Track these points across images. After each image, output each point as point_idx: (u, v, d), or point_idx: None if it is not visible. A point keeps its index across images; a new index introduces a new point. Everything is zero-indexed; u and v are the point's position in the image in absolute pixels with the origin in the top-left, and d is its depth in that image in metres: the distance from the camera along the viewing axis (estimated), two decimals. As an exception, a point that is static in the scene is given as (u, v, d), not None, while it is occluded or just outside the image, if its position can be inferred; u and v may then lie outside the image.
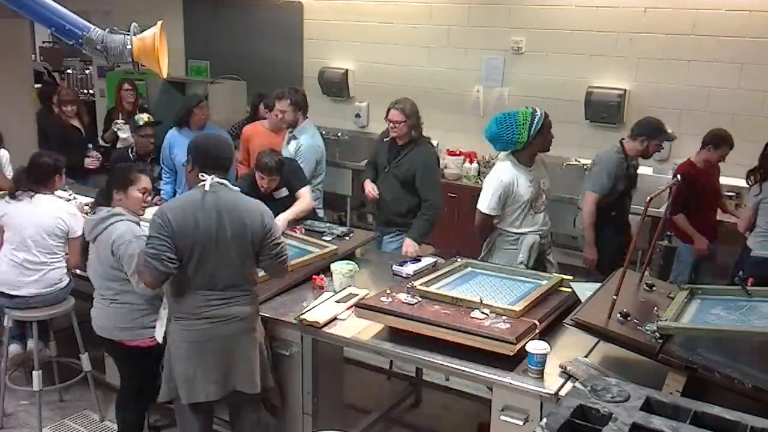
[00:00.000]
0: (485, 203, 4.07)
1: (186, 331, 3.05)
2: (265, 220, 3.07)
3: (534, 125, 3.95)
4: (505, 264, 3.90)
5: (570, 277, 3.62)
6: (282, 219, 4.18)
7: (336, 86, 7.33)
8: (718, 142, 4.79)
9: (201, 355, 3.04)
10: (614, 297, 2.75)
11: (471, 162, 6.46)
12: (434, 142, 6.66)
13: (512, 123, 3.97)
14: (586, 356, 2.92)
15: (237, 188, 3.13)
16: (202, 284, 3.01)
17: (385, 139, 4.57)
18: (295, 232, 4.30)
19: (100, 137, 6.94)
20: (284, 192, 4.45)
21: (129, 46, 3.10)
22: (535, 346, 2.78)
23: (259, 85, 7.56)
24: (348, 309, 3.35)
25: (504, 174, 4.04)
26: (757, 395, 2.39)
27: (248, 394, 3.13)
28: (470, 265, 3.75)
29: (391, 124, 4.38)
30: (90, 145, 6.42)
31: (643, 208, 2.73)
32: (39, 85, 8.00)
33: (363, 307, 3.15)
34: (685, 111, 5.01)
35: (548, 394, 2.68)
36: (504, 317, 3.00)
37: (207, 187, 2.97)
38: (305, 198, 4.44)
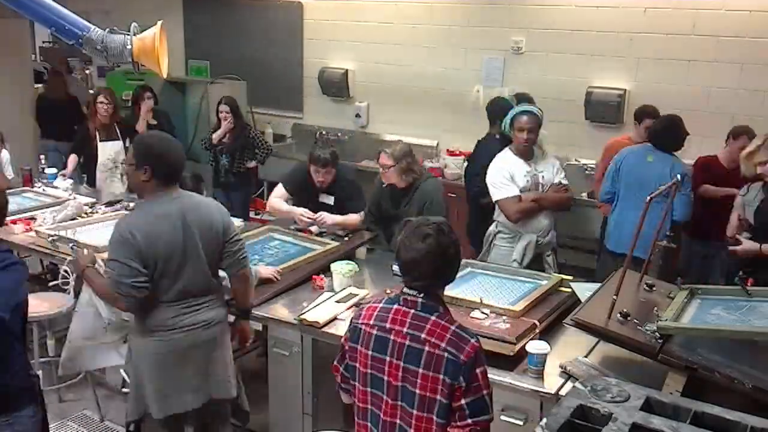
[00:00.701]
0: (498, 189, 4.14)
1: (160, 342, 2.93)
2: (224, 216, 3.05)
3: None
4: (501, 262, 3.92)
5: (570, 278, 3.62)
6: (330, 217, 4.28)
7: (336, 86, 7.32)
8: (737, 132, 4.79)
9: (178, 366, 2.95)
10: (614, 297, 2.75)
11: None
12: (434, 143, 6.78)
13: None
14: (586, 356, 2.92)
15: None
16: (174, 297, 2.92)
17: (383, 185, 4.38)
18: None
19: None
20: (330, 200, 4.43)
21: (129, 46, 3.09)
22: (535, 346, 2.78)
23: (259, 85, 7.59)
24: (348, 309, 3.35)
25: (501, 161, 4.21)
26: (757, 395, 2.39)
27: (217, 406, 3.09)
28: (470, 266, 3.75)
29: (381, 169, 4.24)
30: None
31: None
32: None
33: (363, 307, 3.14)
34: (685, 111, 5.00)
35: (548, 394, 2.68)
36: (504, 317, 3.00)
37: (170, 198, 2.90)
38: (356, 217, 4.42)
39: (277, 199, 4.52)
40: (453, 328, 2.14)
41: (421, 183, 4.25)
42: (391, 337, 2.18)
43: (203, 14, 8.21)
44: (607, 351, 2.92)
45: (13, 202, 5.01)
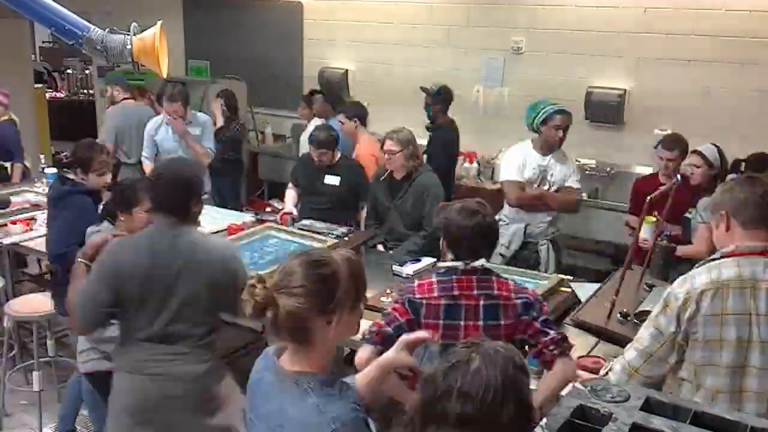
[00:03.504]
0: (506, 171, 4.37)
1: (127, 384, 2.64)
2: (232, 265, 2.69)
3: (538, 115, 4.25)
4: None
5: (570, 277, 3.62)
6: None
7: (336, 86, 7.32)
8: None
9: (136, 418, 2.60)
10: (614, 297, 2.76)
11: (471, 162, 6.45)
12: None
13: (532, 107, 4.39)
14: (586, 356, 2.92)
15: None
16: (149, 336, 2.60)
17: (381, 179, 4.44)
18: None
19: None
20: (336, 180, 4.62)
21: (129, 46, 3.09)
22: (535, 346, 2.77)
23: (259, 85, 7.59)
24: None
25: (518, 148, 4.42)
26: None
27: None
28: (470, 265, 3.75)
29: (387, 155, 4.26)
30: None
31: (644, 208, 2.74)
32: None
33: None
34: (685, 111, 5.00)
35: (548, 394, 2.68)
36: (504, 317, 2.99)
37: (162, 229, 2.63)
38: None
39: (289, 200, 4.87)
40: (511, 282, 2.48)
41: (418, 175, 4.31)
42: (463, 303, 2.41)
43: (203, 14, 8.22)
44: (607, 351, 2.92)
45: (13, 202, 5.03)
